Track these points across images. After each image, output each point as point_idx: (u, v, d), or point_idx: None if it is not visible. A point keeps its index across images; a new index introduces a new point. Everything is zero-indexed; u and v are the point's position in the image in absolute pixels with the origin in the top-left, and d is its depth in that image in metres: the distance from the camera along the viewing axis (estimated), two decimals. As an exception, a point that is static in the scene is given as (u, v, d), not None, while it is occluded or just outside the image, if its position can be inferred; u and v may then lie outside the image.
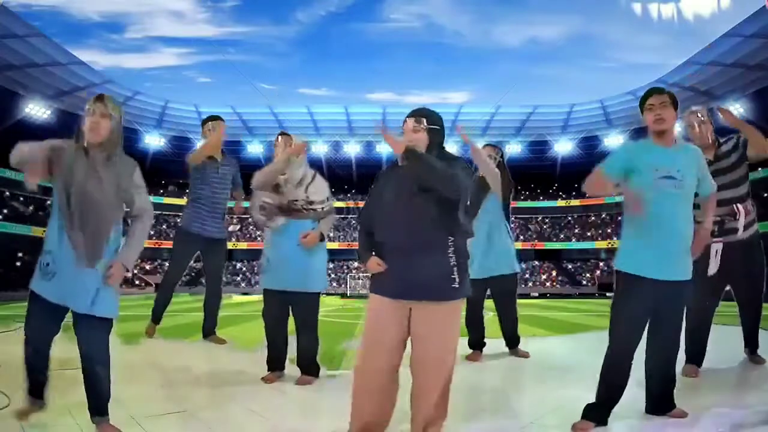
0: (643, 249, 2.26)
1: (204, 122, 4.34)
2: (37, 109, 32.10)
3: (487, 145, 4.08)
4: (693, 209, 2.33)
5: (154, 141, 40.11)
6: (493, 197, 3.88)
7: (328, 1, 65.50)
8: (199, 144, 4.58)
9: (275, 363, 3.21)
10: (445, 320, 2.02)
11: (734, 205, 3.09)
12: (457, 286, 2.01)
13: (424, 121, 2.12)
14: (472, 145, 3.46)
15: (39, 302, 2.08)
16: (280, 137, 3.34)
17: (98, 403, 2.13)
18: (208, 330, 4.45)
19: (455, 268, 2.01)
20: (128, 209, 2.21)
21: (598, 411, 2.22)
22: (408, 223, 2.01)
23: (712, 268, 2.96)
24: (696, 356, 3.20)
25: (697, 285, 3.19)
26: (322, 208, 3.17)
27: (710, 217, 2.50)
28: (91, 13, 51.09)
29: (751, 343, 3.44)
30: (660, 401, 2.35)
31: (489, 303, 4.02)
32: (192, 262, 4.46)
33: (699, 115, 3.18)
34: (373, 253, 2.13)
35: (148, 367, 3.53)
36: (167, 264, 6.84)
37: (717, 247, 2.98)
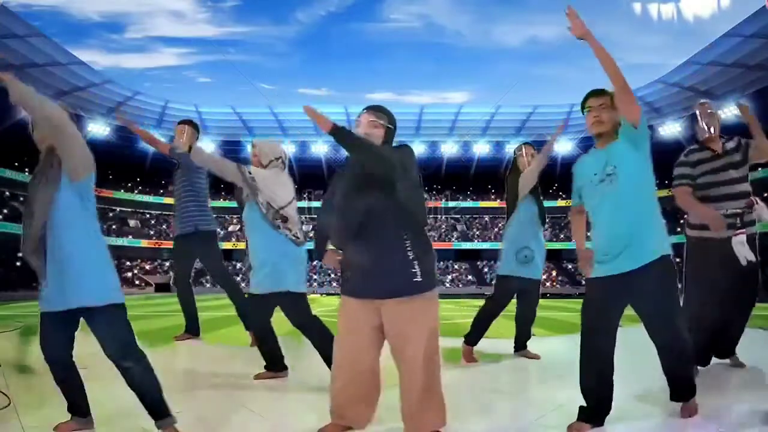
0: (598, 255, 2.22)
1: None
2: (37, 109, 32.08)
3: (527, 143, 4.03)
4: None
5: (154, 141, 40.09)
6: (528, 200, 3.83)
7: (328, 1, 65.63)
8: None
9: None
10: (414, 315, 1.99)
11: (752, 198, 3.08)
12: (419, 279, 1.97)
13: (385, 118, 2.12)
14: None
15: (43, 316, 2.06)
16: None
17: (149, 404, 2.04)
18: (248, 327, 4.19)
19: (415, 262, 1.97)
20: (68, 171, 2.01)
21: (593, 412, 2.20)
22: (358, 223, 1.99)
23: (746, 258, 2.93)
24: (696, 357, 3.20)
25: (696, 284, 3.19)
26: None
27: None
28: (91, 13, 51.20)
29: (731, 346, 3.39)
30: (675, 389, 2.31)
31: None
32: (191, 262, 4.41)
33: (707, 107, 3.21)
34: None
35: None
36: (166, 264, 6.83)
37: (741, 239, 2.95)
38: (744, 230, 3.00)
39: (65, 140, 1.98)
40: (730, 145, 3.19)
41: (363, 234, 1.99)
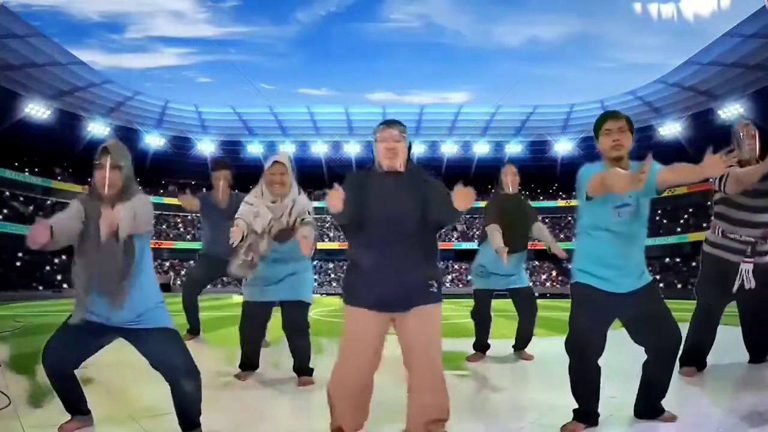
0: (598, 267, 2.23)
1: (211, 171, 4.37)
2: (37, 109, 32.02)
3: (511, 162, 4.14)
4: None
5: (154, 141, 40.06)
6: None
7: (328, 1, 65.67)
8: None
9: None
10: (429, 322, 2.08)
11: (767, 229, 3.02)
12: (435, 290, 2.11)
13: (404, 131, 2.14)
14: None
15: (70, 331, 2.07)
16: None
17: (186, 415, 2.11)
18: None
19: (434, 273, 2.13)
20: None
21: (587, 412, 2.21)
22: (400, 236, 2.04)
23: (746, 284, 2.98)
24: (696, 359, 3.21)
25: (702, 290, 3.20)
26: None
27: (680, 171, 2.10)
28: (91, 13, 51.21)
29: (759, 350, 3.41)
30: (651, 401, 2.31)
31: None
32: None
33: (750, 129, 3.07)
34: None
35: (149, 366, 3.52)
36: (166, 264, 6.79)
37: (748, 267, 2.99)
38: (753, 259, 3.00)
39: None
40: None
41: (402, 246, 2.04)
